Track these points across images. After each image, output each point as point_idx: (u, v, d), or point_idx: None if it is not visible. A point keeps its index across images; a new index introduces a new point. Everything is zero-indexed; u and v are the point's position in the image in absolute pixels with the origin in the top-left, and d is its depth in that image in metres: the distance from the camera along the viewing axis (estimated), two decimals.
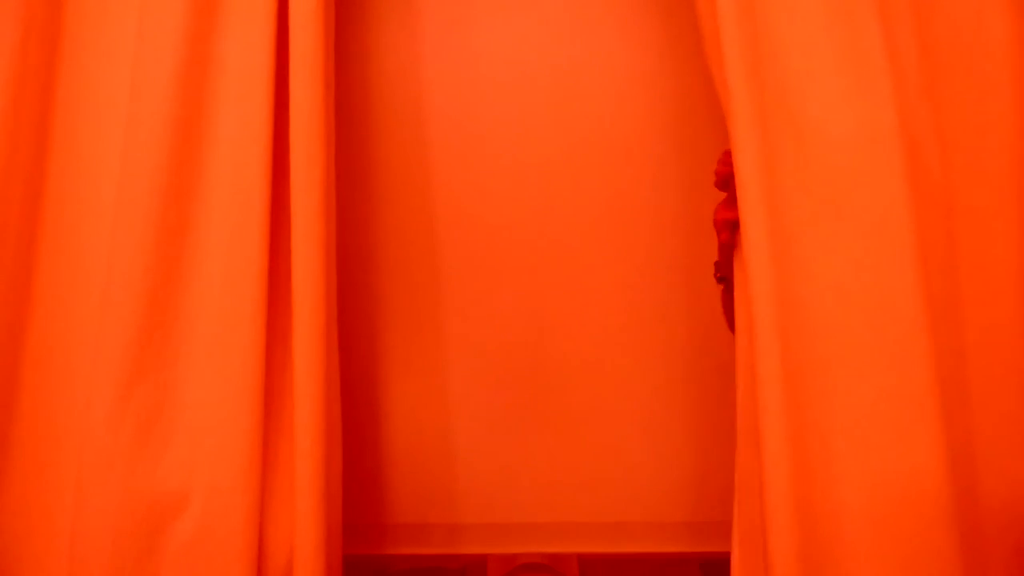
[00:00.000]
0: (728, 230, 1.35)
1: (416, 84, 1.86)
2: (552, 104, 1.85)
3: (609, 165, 1.85)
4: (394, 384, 1.84)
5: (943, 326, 1.26)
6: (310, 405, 1.41)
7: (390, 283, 1.85)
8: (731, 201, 1.33)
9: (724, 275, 1.46)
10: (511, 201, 1.85)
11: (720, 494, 1.79)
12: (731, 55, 1.28)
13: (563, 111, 1.85)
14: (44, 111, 1.46)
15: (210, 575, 1.35)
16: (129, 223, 1.37)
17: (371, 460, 1.83)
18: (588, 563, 1.78)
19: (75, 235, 1.45)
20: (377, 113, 1.87)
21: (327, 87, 1.51)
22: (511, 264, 1.85)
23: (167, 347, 1.37)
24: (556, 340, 1.84)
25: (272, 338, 1.44)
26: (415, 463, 1.83)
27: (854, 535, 1.22)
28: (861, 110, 1.27)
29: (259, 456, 1.39)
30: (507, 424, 1.83)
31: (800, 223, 1.27)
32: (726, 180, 1.38)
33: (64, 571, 1.32)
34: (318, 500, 1.41)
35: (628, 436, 1.82)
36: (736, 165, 1.28)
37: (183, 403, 1.38)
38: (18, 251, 1.42)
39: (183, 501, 1.36)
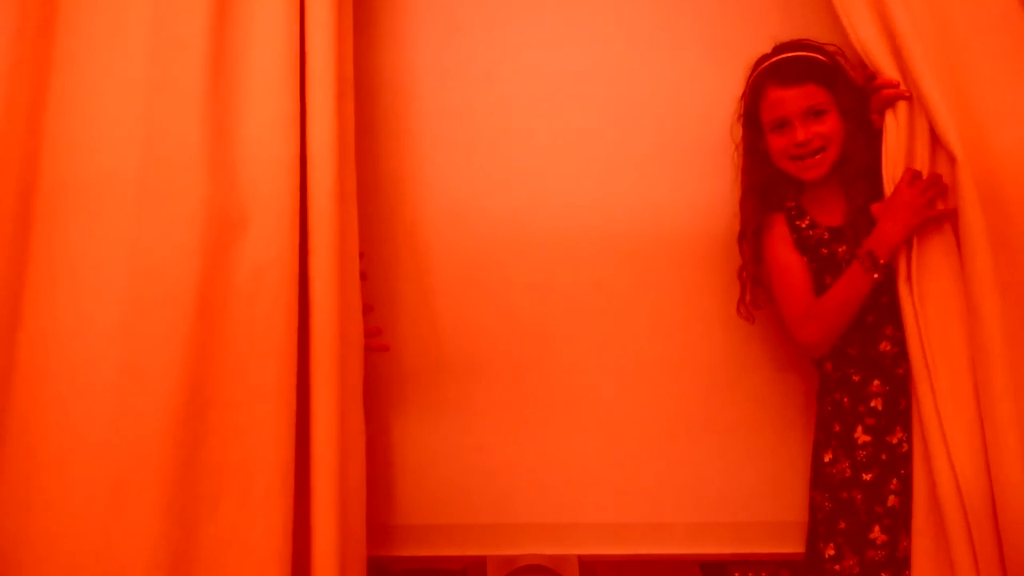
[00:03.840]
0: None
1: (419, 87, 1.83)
2: (553, 106, 1.84)
3: (609, 164, 1.83)
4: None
5: None
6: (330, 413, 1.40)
7: (389, 286, 1.80)
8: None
9: (889, 262, 1.46)
10: (511, 202, 1.83)
11: (720, 496, 1.80)
12: None
13: (564, 113, 1.84)
14: (38, 103, 1.36)
15: None
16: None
17: (371, 463, 1.77)
18: (589, 565, 1.76)
19: (69, 230, 1.36)
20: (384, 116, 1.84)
21: (343, 87, 1.48)
22: (511, 264, 1.82)
23: None
24: (556, 342, 1.82)
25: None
26: (415, 465, 1.79)
27: None
28: None
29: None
30: (507, 426, 1.80)
31: None
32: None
33: None
34: (337, 505, 1.39)
35: (628, 438, 1.81)
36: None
37: None
38: (13, 247, 1.34)
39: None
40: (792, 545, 1.74)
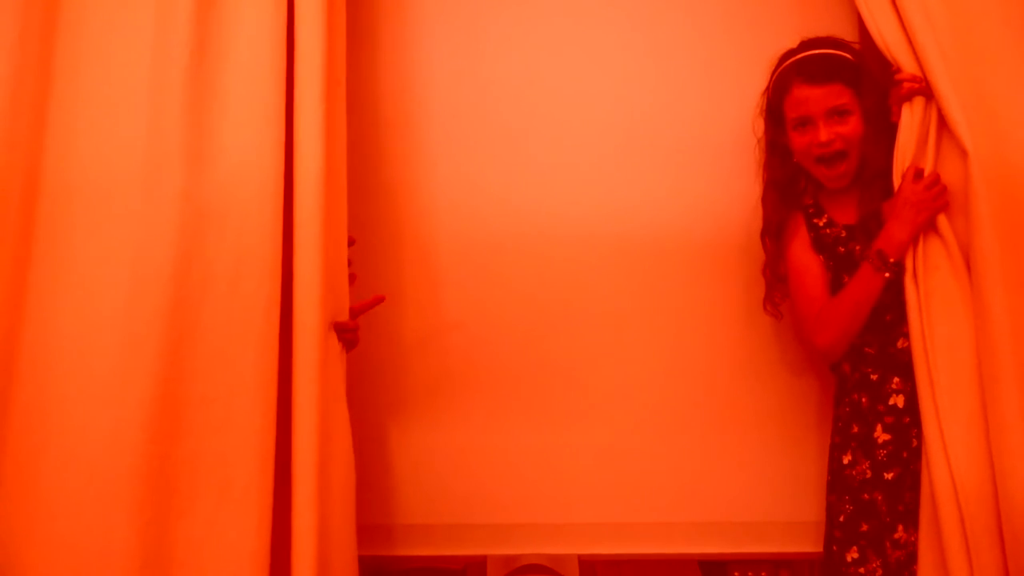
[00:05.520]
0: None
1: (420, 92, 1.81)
2: (562, 107, 1.83)
3: (617, 166, 1.82)
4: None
5: None
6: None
7: (394, 284, 1.78)
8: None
9: (899, 260, 1.48)
10: (517, 204, 1.81)
11: (721, 496, 1.80)
12: None
13: (573, 114, 1.83)
14: (41, 103, 1.36)
15: None
16: None
17: (372, 462, 1.74)
18: (588, 564, 1.75)
19: (70, 229, 1.35)
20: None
21: (332, 83, 1.46)
22: (515, 264, 1.81)
23: None
24: (560, 342, 1.81)
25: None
26: (416, 465, 1.77)
27: None
28: None
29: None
30: (507, 425, 1.78)
31: None
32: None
33: None
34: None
35: (630, 439, 1.80)
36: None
37: None
38: (16, 248, 1.33)
39: None
40: (793, 545, 1.75)
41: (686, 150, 1.82)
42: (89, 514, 1.27)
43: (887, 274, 1.48)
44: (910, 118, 1.49)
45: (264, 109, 1.39)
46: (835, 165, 1.56)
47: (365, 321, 1.61)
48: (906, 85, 1.48)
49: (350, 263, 1.55)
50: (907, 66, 1.49)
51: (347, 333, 1.50)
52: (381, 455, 1.77)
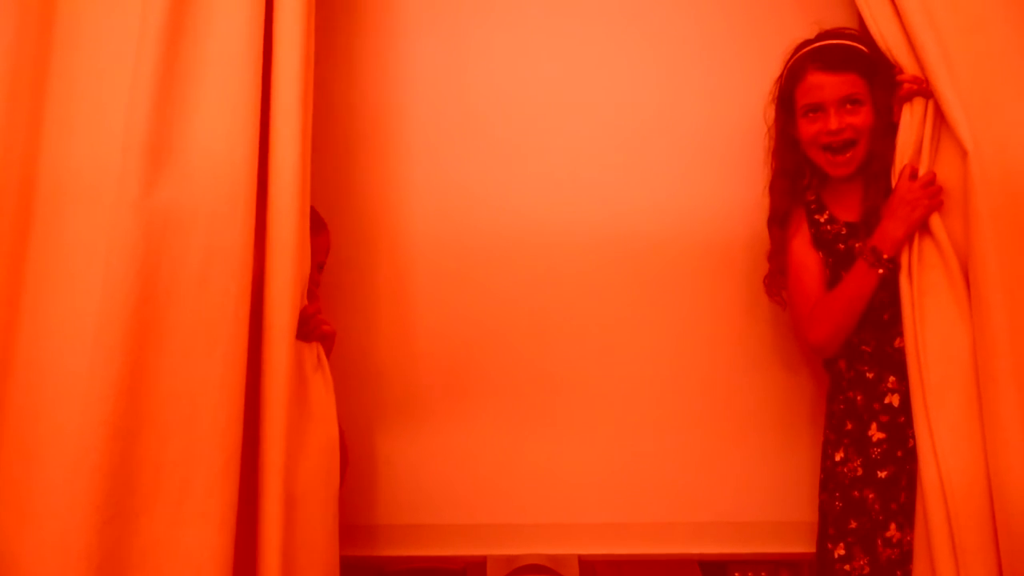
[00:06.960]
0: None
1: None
2: (543, 113, 1.82)
3: (596, 165, 1.82)
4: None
5: None
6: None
7: (385, 285, 1.79)
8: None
9: (892, 257, 1.48)
10: (502, 205, 1.81)
11: (720, 496, 1.80)
12: None
13: (556, 120, 1.82)
14: (37, 101, 1.36)
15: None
16: None
17: (371, 463, 1.76)
18: (588, 565, 1.75)
19: (62, 227, 1.35)
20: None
21: (306, 84, 1.46)
22: (510, 263, 1.81)
23: None
24: (557, 343, 1.81)
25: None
26: (416, 465, 1.77)
27: None
28: None
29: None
30: (508, 426, 1.79)
31: None
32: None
33: None
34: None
35: (628, 439, 1.80)
36: None
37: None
38: (13, 247, 1.33)
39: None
40: (792, 545, 1.75)
41: (681, 153, 1.82)
42: (48, 510, 1.26)
43: (880, 270, 1.49)
44: (910, 118, 1.50)
45: (239, 106, 1.37)
46: (842, 152, 1.55)
47: (380, 322, 1.62)
48: (906, 86, 1.48)
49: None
50: (908, 67, 1.49)
51: (312, 321, 1.45)
52: (382, 455, 1.77)
